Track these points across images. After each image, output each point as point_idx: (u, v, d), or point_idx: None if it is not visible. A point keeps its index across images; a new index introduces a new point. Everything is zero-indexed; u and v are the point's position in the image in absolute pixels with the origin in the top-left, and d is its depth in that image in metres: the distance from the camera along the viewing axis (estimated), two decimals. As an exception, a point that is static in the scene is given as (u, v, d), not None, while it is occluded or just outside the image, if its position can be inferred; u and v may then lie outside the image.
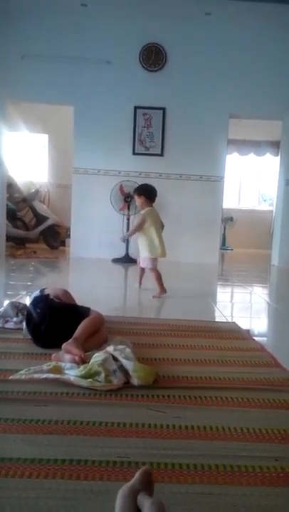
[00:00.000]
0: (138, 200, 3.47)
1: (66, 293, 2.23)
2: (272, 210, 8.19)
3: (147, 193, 3.44)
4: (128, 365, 1.58)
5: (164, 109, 5.51)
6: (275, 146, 7.93)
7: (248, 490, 1.00)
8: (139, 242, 3.47)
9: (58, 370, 1.60)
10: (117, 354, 1.65)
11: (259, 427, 1.28)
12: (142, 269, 3.55)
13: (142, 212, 3.44)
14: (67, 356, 1.69)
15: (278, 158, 6.52)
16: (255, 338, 2.27)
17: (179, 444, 1.17)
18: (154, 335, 2.23)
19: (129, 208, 5.41)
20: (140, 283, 3.58)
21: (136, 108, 5.49)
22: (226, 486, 1.01)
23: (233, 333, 2.34)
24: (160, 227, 3.49)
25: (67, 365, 1.64)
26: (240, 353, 1.99)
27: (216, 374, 1.70)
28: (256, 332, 2.49)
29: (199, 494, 0.97)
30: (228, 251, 8.12)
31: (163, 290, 3.32)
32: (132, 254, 5.49)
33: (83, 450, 1.12)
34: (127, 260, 5.36)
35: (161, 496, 0.92)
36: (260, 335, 2.47)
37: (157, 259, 3.42)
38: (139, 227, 3.41)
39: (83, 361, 1.65)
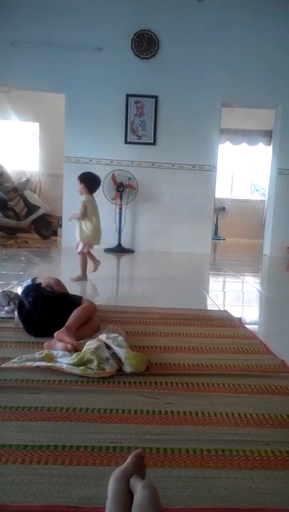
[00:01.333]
0: (79, 186, 3.46)
1: (58, 282, 2.23)
2: (264, 200, 8.21)
3: (88, 182, 3.45)
4: (121, 352, 1.59)
5: (156, 98, 5.46)
6: (267, 135, 7.92)
7: (240, 473, 1.01)
8: (80, 228, 3.43)
9: (50, 358, 1.60)
10: (109, 342, 1.65)
11: (250, 412, 1.30)
12: (89, 254, 3.52)
13: (83, 199, 3.41)
14: (60, 344, 1.69)
15: (270, 147, 6.51)
16: (247, 326, 2.28)
17: (170, 430, 1.18)
18: (147, 323, 2.23)
19: (121, 198, 5.39)
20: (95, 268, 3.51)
21: (128, 96, 5.44)
22: (218, 469, 1.02)
23: (225, 321, 2.35)
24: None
25: (59, 353, 1.64)
26: (232, 341, 2.00)
27: (208, 361, 1.71)
28: (248, 320, 2.51)
29: (191, 478, 0.98)
30: (220, 241, 8.14)
31: (85, 276, 3.39)
32: (124, 243, 5.48)
33: (76, 436, 1.13)
34: (120, 250, 5.36)
35: (154, 480, 0.92)
36: (251, 323, 2.48)
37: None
38: (84, 214, 3.40)
39: (76, 349, 1.65)
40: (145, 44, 5.37)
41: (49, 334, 1.77)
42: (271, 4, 5.24)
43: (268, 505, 0.91)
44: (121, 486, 0.85)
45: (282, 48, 5.46)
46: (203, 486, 0.96)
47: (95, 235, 3.47)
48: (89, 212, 3.40)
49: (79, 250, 3.43)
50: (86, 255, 3.46)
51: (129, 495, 0.82)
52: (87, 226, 3.41)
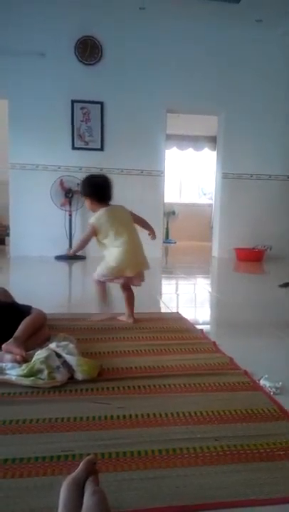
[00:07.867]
0: (86, 203, 2.52)
1: (5, 292, 2.18)
2: (211, 204, 8.45)
3: (92, 192, 2.46)
4: (71, 360, 1.57)
5: (102, 103, 5.48)
6: (212, 141, 8.16)
7: (190, 471, 1.03)
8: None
9: (-2, 370, 1.56)
10: (59, 350, 1.63)
11: (200, 409, 1.33)
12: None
13: (92, 219, 2.40)
14: (8, 356, 1.65)
15: (215, 152, 6.71)
16: (198, 327, 2.34)
17: (122, 434, 1.19)
18: (98, 329, 2.23)
19: (70, 204, 5.34)
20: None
21: (73, 102, 5.41)
22: (169, 469, 1.04)
23: (177, 323, 2.40)
24: (130, 227, 2.61)
25: (8, 365, 1.59)
26: (183, 342, 2.04)
27: (160, 363, 1.74)
28: (199, 321, 2.57)
29: (143, 479, 1.00)
30: (172, 244, 8.27)
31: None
32: (75, 250, 5.42)
33: (26, 448, 1.11)
34: (71, 257, 5.29)
35: (106, 485, 0.93)
36: (202, 323, 2.55)
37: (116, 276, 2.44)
38: (85, 241, 2.43)
39: (25, 360, 1.61)
40: (89, 50, 5.37)
41: (-3, 346, 1.72)
42: (214, 14, 5.41)
43: (217, 499, 0.94)
44: (72, 493, 0.84)
45: (223, 56, 5.66)
46: (155, 486, 0.97)
47: (123, 262, 2.45)
48: (104, 232, 2.38)
49: (97, 278, 2.46)
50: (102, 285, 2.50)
51: (81, 502, 0.82)
52: (110, 252, 2.42)
